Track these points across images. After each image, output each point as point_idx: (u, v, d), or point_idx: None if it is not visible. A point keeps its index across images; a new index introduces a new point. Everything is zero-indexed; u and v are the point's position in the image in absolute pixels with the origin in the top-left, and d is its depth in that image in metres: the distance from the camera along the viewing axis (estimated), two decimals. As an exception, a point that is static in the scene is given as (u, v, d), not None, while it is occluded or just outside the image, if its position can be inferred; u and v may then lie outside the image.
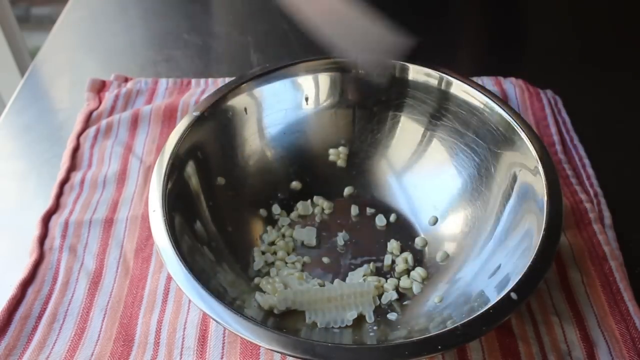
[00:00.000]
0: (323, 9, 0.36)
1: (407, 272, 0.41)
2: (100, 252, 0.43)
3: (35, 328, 0.39)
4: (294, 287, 0.39)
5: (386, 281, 0.41)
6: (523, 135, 0.39)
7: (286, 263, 0.42)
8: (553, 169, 0.37)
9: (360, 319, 0.38)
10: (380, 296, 0.40)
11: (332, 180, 0.47)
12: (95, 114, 0.55)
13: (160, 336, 0.38)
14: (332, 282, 0.40)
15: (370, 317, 0.37)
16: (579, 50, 0.65)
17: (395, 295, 0.40)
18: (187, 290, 0.32)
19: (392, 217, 0.45)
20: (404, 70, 0.45)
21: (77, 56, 0.66)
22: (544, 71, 0.60)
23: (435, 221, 0.44)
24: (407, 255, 0.42)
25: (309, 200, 0.46)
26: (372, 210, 0.45)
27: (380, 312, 0.39)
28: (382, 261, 0.42)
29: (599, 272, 0.41)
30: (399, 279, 0.41)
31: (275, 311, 0.37)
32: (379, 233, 0.44)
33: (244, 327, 0.31)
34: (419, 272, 0.41)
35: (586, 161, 0.50)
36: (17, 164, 0.52)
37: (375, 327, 0.37)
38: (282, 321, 0.37)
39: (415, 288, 0.40)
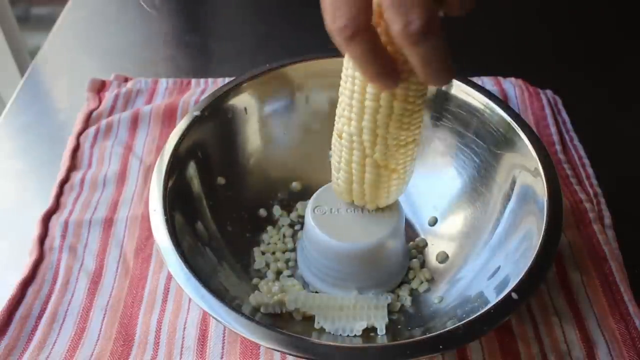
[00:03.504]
0: None
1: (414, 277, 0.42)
2: (100, 252, 0.43)
3: (35, 328, 0.39)
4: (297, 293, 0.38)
5: (400, 289, 0.41)
6: (523, 136, 0.39)
7: (287, 264, 0.42)
8: (553, 170, 0.37)
9: (369, 330, 0.37)
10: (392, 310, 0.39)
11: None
12: (95, 114, 0.55)
13: (160, 336, 0.38)
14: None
15: (381, 330, 0.36)
16: (578, 50, 0.65)
17: (409, 302, 0.39)
18: (187, 290, 0.32)
19: (392, 217, 0.45)
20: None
21: (77, 56, 0.66)
22: (544, 71, 0.60)
23: (434, 221, 0.44)
24: (417, 263, 0.42)
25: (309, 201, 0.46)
26: (372, 211, 0.45)
27: (393, 325, 0.38)
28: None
29: (599, 272, 0.41)
30: (412, 287, 0.41)
31: (284, 310, 0.37)
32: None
33: (245, 326, 0.31)
34: (424, 273, 0.41)
35: (586, 161, 0.50)
36: (17, 164, 0.52)
37: (385, 339, 0.37)
38: (289, 325, 0.37)
39: (423, 289, 0.40)
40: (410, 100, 0.31)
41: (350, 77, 0.32)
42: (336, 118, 0.35)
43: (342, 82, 0.33)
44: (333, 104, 0.47)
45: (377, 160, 0.34)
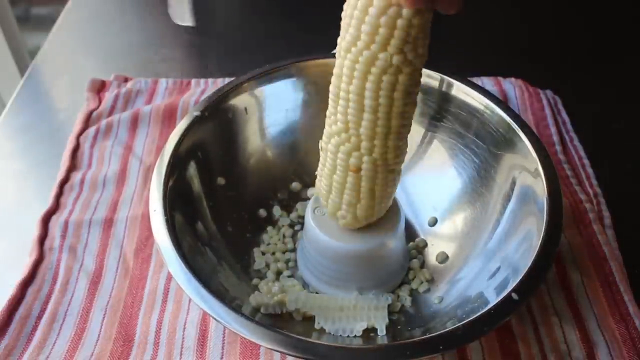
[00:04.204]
0: None
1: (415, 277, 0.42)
2: (100, 252, 0.43)
3: (35, 328, 0.39)
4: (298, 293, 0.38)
5: (400, 290, 0.41)
6: (523, 136, 0.39)
7: (287, 265, 0.42)
8: (553, 170, 0.37)
9: (369, 330, 0.37)
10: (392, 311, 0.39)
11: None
12: (95, 114, 0.55)
13: (160, 336, 0.38)
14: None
15: (381, 330, 0.36)
16: (579, 50, 0.65)
17: (409, 302, 0.40)
18: (187, 290, 0.32)
19: (392, 218, 0.45)
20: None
21: (77, 56, 0.66)
22: (544, 71, 0.60)
23: (434, 222, 0.44)
24: (417, 263, 0.42)
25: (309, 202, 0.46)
26: (372, 211, 0.45)
27: (393, 325, 0.38)
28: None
29: (599, 272, 0.41)
30: (412, 287, 0.41)
31: (284, 310, 0.37)
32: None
33: (244, 326, 0.31)
34: (424, 274, 0.41)
35: (586, 161, 0.50)
36: (16, 164, 0.52)
37: (385, 339, 0.37)
38: (290, 326, 0.37)
39: (422, 289, 0.40)
40: (409, 84, 0.31)
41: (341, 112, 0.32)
42: (332, 142, 0.34)
43: (333, 118, 0.33)
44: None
45: (389, 165, 0.34)
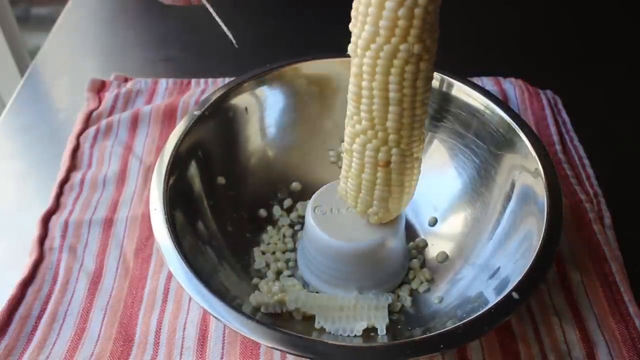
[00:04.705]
0: None
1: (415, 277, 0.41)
2: (100, 252, 0.43)
3: (35, 328, 0.39)
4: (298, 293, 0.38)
5: (400, 289, 0.41)
6: (523, 136, 0.39)
7: (287, 264, 0.42)
8: (553, 170, 0.37)
9: (369, 330, 0.37)
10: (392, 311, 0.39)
11: (332, 182, 0.47)
12: (95, 114, 0.55)
13: (160, 336, 0.38)
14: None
15: (382, 330, 0.36)
16: (579, 50, 0.65)
17: (409, 302, 0.39)
18: (188, 289, 0.32)
19: (392, 218, 0.45)
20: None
21: (77, 56, 0.66)
22: (544, 71, 0.60)
23: (435, 222, 0.44)
24: (417, 263, 0.42)
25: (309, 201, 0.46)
26: (372, 211, 0.45)
27: (393, 325, 0.38)
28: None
29: (599, 272, 0.41)
30: (412, 287, 0.41)
31: (284, 310, 0.37)
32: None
33: (245, 324, 0.31)
34: (424, 274, 0.41)
35: (586, 161, 0.50)
36: (16, 164, 0.52)
37: (385, 339, 0.37)
38: (290, 325, 0.37)
39: (422, 289, 0.40)
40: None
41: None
42: (357, 141, 0.34)
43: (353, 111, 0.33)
44: (334, 103, 0.47)
45: (414, 153, 0.34)
